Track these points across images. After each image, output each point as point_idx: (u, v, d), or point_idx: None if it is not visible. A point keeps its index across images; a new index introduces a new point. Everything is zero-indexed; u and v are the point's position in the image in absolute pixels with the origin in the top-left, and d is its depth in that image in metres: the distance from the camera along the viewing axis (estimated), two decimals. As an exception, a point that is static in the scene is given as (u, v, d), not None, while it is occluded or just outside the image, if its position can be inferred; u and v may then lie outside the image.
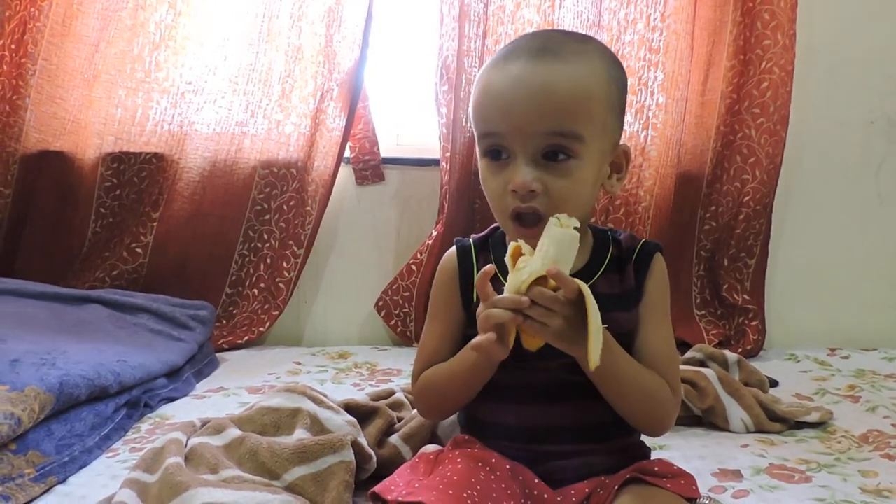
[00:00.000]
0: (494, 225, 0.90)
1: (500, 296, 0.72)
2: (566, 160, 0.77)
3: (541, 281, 0.71)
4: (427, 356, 0.86)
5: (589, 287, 0.71)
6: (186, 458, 0.89)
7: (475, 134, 0.82)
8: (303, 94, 1.71)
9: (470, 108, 0.83)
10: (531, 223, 0.78)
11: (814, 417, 1.20)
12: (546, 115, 0.76)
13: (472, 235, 0.90)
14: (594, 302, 0.70)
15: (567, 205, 0.77)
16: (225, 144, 1.72)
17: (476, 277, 0.77)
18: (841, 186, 1.76)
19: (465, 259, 0.87)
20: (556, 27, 1.66)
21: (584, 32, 1.67)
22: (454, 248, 0.88)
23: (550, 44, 0.79)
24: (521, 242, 0.73)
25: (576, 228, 0.73)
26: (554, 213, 0.75)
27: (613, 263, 0.84)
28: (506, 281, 0.73)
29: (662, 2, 1.65)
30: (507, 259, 0.73)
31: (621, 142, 0.84)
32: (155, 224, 1.70)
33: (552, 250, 0.71)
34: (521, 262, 0.71)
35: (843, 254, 1.77)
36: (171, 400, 1.31)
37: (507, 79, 0.77)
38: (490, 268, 0.74)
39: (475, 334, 0.76)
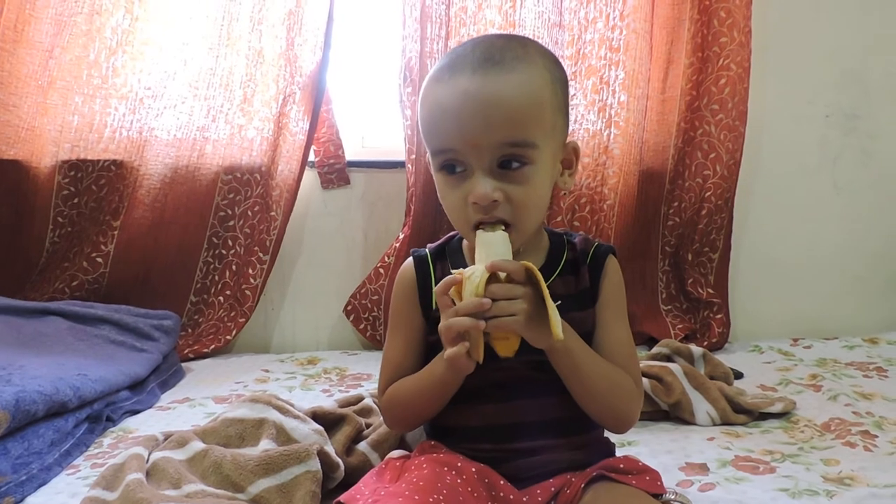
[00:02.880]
0: (450, 234, 0.90)
1: (462, 302, 0.72)
2: (521, 167, 0.77)
3: (491, 283, 0.72)
4: (392, 368, 0.87)
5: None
6: (148, 474, 0.87)
7: (428, 149, 0.82)
8: (265, 97, 1.69)
9: (419, 124, 0.83)
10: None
11: (777, 408, 1.23)
12: (498, 128, 0.75)
13: (428, 245, 0.91)
14: (541, 276, 0.72)
15: (528, 210, 0.78)
16: (186, 150, 1.69)
17: (435, 286, 0.76)
18: (799, 179, 1.80)
19: (422, 269, 0.87)
20: (517, 27, 1.67)
21: (545, 32, 1.68)
22: (410, 259, 0.89)
23: (492, 53, 0.77)
24: (460, 270, 0.74)
25: (505, 230, 0.76)
26: (517, 219, 0.77)
27: (569, 265, 0.86)
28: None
29: (621, 0, 1.66)
30: (452, 292, 0.74)
31: (568, 139, 0.84)
32: (116, 233, 1.66)
33: (490, 252, 0.74)
34: (467, 272, 0.73)
35: (803, 245, 1.81)
36: (135, 412, 1.29)
37: (455, 94, 0.76)
38: (453, 276, 0.74)
39: (437, 340, 0.76)
